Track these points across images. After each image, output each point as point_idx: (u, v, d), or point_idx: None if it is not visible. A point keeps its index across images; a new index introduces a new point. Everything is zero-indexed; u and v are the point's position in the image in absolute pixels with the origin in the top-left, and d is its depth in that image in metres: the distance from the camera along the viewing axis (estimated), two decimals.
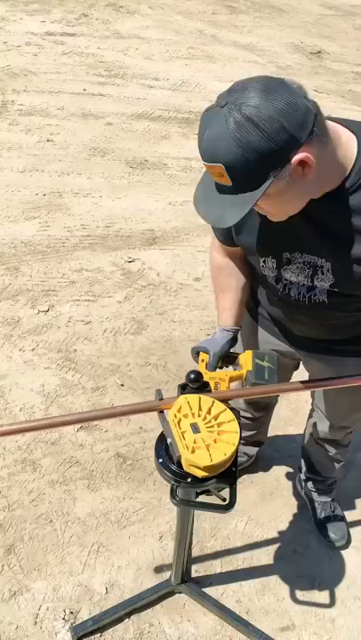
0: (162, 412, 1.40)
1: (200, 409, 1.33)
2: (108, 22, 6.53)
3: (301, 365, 1.85)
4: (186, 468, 1.26)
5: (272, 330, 1.72)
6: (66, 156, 4.22)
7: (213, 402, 1.35)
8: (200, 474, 1.25)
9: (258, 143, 1.06)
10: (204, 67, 5.91)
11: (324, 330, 1.58)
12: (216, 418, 1.32)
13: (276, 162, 1.09)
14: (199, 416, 1.31)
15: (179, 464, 1.27)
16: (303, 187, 1.16)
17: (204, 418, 1.31)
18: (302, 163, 1.10)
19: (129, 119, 4.78)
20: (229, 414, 1.33)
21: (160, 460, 1.33)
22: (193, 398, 1.34)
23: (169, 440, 1.28)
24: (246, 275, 1.63)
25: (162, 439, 1.36)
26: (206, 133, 1.11)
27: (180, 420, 1.29)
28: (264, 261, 1.44)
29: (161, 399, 1.41)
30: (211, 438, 1.27)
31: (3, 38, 5.78)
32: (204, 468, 1.23)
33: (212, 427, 1.30)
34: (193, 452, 1.24)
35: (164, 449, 1.34)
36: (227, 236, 1.53)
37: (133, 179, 4.09)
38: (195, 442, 1.25)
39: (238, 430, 1.30)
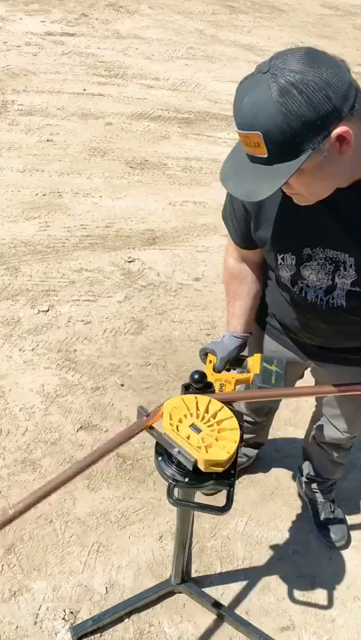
0: (151, 427, 1.34)
1: (188, 409, 1.30)
2: (108, 22, 6.53)
3: (306, 371, 1.83)
4: (205, 468, 1.22)
5: (281, 339, 1.69)
6: (66, 155, 4.22)
7: (196, 397, 1.33)
8: (220, 469, 1.22)
9: (302, 111, 1.01)
10: (204, 67, 5.90)
11: (338, 336, 1.54)
12: (207, 411, 1.30)
13: (317, 133, 1.04)
14: (192, 416, 1.29)
15: (195, 470, 1.23)
16: (338, 166, 1.12)
17: (197, 416, 1.29)
18: (341, 138, 1.06)
19: (129, 119, 4.78)
20: (217, 403, 1.31)
21: (159, 459, 1.32)
22: (176, 401, 1.31)
23: (175, 450, 1.24)
24: (260, 281, 1.60)
25: None
26: (245, 100, 1.05)
27: (177, 427, 1.26)
28: (283, 258, 1.39)
29: (147, 415, 1.35)
30: (215, 432, 1.25)
31: (3, 38, 5.77)
32: (224, 462, 1.21)
33: (209, 420, 1.28)
34: (207, 451, 1.22)
35: (163, 448, 1.32)
36: (244, 237, 1.48)
37: (133, 179, 4.09)
38: (203, 441, 1.23)
39: (233, 415, 1.29)
